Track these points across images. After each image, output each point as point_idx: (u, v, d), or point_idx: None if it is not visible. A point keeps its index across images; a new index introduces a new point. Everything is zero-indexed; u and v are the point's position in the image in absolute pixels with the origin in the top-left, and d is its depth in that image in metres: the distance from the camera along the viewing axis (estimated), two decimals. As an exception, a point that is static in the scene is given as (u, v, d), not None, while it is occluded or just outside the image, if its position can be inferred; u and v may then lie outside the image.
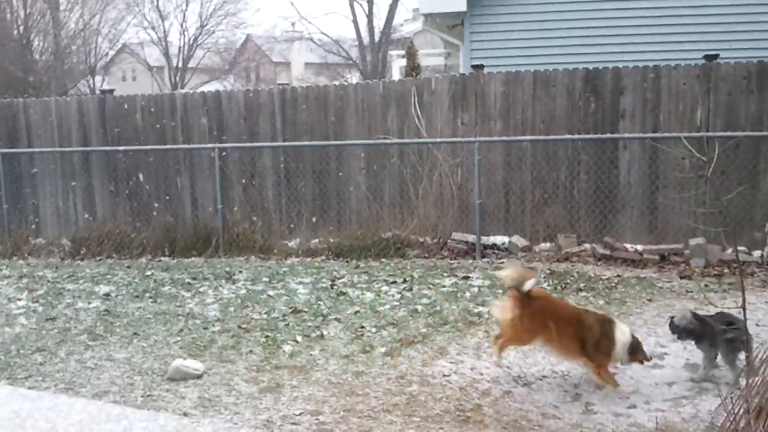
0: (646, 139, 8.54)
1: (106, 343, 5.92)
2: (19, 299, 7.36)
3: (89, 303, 7.17)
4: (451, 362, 5.27)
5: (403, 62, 19.55)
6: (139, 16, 41.73)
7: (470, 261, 8.52)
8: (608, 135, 8.70)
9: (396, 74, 20.27)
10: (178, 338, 6.01)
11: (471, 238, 8.89)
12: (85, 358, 5.56)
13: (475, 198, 8.89)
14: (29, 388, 4.98)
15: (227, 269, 8.44)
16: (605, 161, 8.75)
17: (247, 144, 9.88)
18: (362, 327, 6.14)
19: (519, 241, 8.86)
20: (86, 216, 10.48)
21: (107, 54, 40.14)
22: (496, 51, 11.26)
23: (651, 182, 8.65)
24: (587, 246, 8.60)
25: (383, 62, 33.90)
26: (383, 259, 8.70)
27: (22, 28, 32.11)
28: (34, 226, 10.63)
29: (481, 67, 9.37)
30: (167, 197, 10.20)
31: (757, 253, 8.04)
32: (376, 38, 35.62)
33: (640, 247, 8.37)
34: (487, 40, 11.43)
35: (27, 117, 10.71)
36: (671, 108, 8.60)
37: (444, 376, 5.01)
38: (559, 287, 7.17)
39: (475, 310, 6.48)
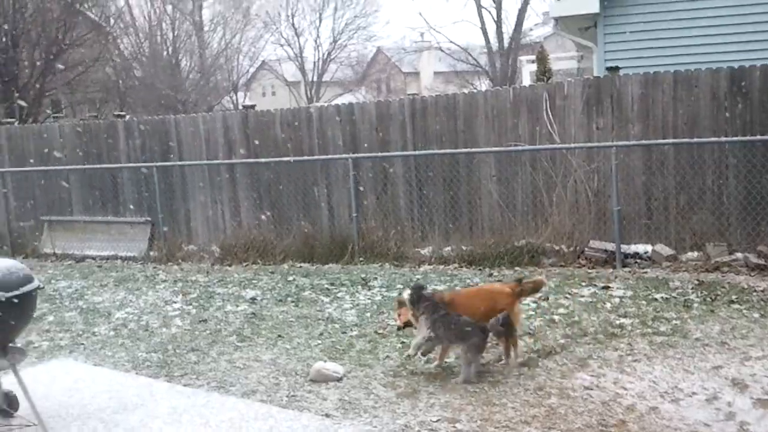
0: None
1: (253, 345, 6.25)
2: (175, 302, 7.92)
3: (237, 306, 7.60)
4: (591, 375, 5.12)
5: (534, 67, 19.21)
6: (276, 34, 43.85)
7: (610, 270, 8.23)
8: (759, 137, 8.12)
9: (526, 79, 19.96)
10: (319, 341, 6.24)
11: (610, 246, 8.59)
12: (234, 358, 5.90)
13: (612, 204, 8.59)
14: (185, 385, 5.35)
15: (363, 276, 8.66)
16: (756, 165, 8.18)
17: (379, 154, 10.09)
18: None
19: (663, 249, 8.45)
20: (233, 224, 11.10)
21: (248, 71, 42.47)
22: (632, 52, 10.84)
23: (811, 187, 7.99)
24: (739, 255, 8.06)
25: (513, 68, 33.48)
26: (517, 268, 8.59)
27: (170, 49, 34.59)
28: (186, 234, 11.38)
29: (617, 69, 9.05)
30: (305, 207, 10.61)
31: None
32: (505, 44, 35.25)
33: (799, 257, 7.75)
34: (621, 41, 11.03)
35: (178, 132, 11.51)
36: (832, 106, 7.92)
37: (585, 389, 4.88)
38: (708, 299, 6.78)
39: (617, 322, 6.26)
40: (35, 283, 4.51)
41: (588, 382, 4.99)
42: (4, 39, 21.82)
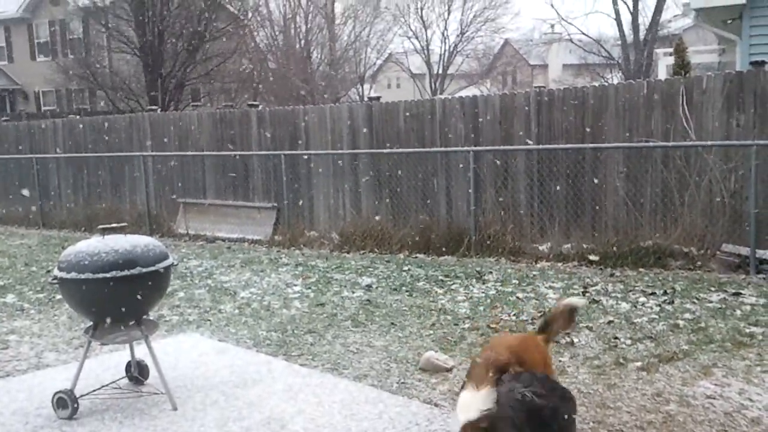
0: None
1: (367, 331, 6.39)
2: (295, 285, 8.23)
3: (353, 292, 7.79)
4: (715, 384, 4.85)
5: (671, 60, 18.28)
6: (405, 27, 44.23)
7: (742, 276, 7.73)
8: None
9: (662, 73, 19.03)
10: (431, 332, 6.28)
11: (744, 251, 8.06)
12: (348, 342, 6.06)
13: (750, 207, 8.05)
14: (301, 365, 5.55)
15: (478, 269, 8.61)
16: None
17: (501, 147, 9.97)
18: (616, 338, 5.90)
19: (804, 257, 7.84)
20: (352, 212, 11.36)
21: (375, 63, 43.15)
22: (781, 45, 10.10)
23: None
24: None
25: (648, 61, 31.92)
26: (641, 269, 8.25)
27: (303, 41, 35.72)
28: (308, 220, 11.77)
29: (762, 63, 8.45)
30: (424, 198, 10.67)
31: None
32: (641, 36, 33.66)
33: None
34: (769, 34, 10.30)
35: (306, 122, 11.90)
36: None
37: (707, 397, 4.64)
38: None
39: (747, 330, 5.88)
40: (170, 260, 4.82)
41: (711, 391, 4.73)
42: (151, 32, 23.45)
